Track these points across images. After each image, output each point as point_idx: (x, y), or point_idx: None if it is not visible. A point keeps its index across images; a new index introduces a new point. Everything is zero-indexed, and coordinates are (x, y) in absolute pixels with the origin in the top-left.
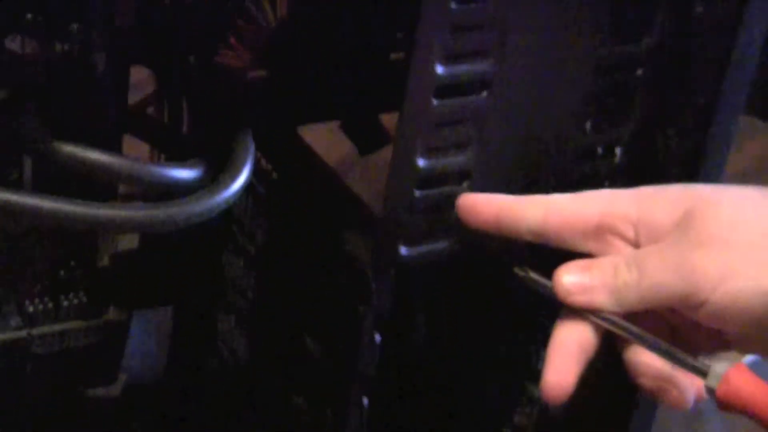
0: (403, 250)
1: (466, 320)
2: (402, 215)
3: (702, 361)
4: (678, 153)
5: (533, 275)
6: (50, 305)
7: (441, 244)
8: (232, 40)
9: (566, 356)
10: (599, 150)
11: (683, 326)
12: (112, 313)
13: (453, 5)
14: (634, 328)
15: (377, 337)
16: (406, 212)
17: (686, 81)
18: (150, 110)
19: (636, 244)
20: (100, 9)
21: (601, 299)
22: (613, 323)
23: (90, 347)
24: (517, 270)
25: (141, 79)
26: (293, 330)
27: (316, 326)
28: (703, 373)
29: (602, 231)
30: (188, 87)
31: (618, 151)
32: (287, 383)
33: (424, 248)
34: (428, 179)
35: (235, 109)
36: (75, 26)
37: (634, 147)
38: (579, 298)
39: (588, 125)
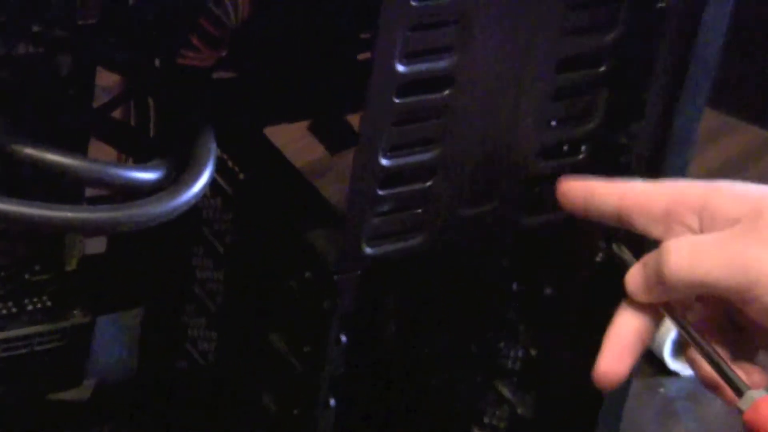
0: (368, 249)
1: (433, 319)
2: (366, 214)
3: (742, 381)
4: (642, 149)
5: (627, 253)
6: (15, 309)
7: (407, 243)
8: (195, 40)
9: (622, 346)
10: (564, 147)
11: (743, 320)
12: (77, 316)
13: (413, 2)
14: (691, 330)
15: (343, 337)
16: (369, 211)
17: (649, 77)
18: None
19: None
20: (62, 10)
21: (652, 289)
22: (676, 321)
23: (55, 350)
24: (614, 247)
25: (112, 82)
26: (262, 330)
27: (284, 326)
28: (739, 392)
29: (670, 218)
30: (154, 89)
31: (583, 148)
32: (256, 383)
33: (389, 247)
34: (392, 178)
35: (199, 110)
36: (38, 27)
37: (599, 143)
38: (641, 298)
39: (553, 122)
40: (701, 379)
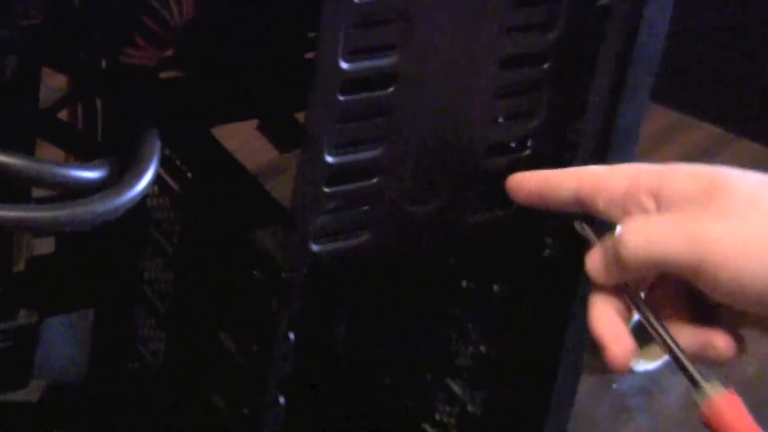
0: (315, 247)
1: (383, 317)
2: (312, 212)
3: (701, 373)
4: (586, 145)
5: (589, 232)
6: None
7: (354, 241)
8: (139, 39)
9: (616, 325)
10: (512, 143)
11: (704, 299)
12: (23, 317)
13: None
14: (650, 315)
15: (292, 336)
16: (315, 209)
17: (592, 74)
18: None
19: None
20: (6, 9)
21: (612, 271)
22: (637, 307)
23: (2, 351)
24: (576, 224)
25: (63, 82)
26: (211, 330)
27: (233, 325)
28: (697, 386)
29: (627, 200)
30: (100, 89)
31: (529, 143)
32: (206, 383)
33: (336, 245)
34: (338, 175)
35: (145, 109)
36: None
37: (544, 140)
38: (602, 279)
39: (500, 119)
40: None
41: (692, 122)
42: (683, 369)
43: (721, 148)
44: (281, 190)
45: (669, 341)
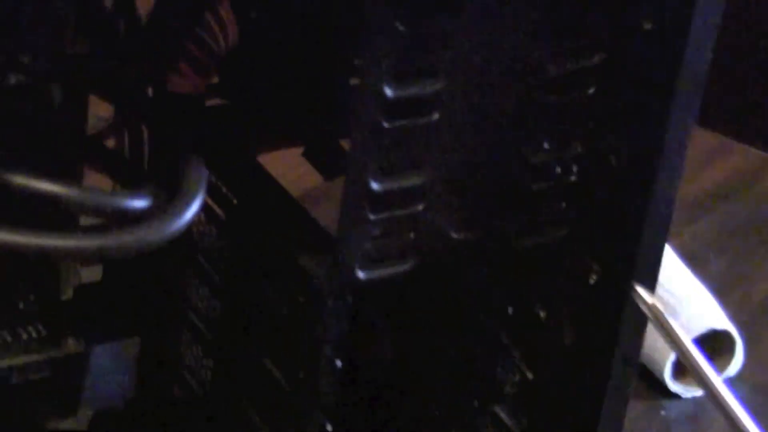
0: (361, 274)
1: (429, 344)
2: (356, 239)
3: None
4: (632, 169)
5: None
6: (9, 338)
7: (399, 267)
8: (183, 66)
9: None
10: (557, 168)
11: None
12: (71, 346)
13: (399, 26)
14: None
15: (338, 362)
16: (360, 236)
17: (637, 97)
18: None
19: None
20: (50, 39)
21: None
22: None
23: (50, 380)
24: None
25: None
26: (257, 357)
27: (279, 353)
28: None
29: None
30: (145, 116)
31: (574, 169)
32: (252, 411)
33: (382, 271)
34: (382, 201)
35: (191, 137)
36: (26, 57)
37: (589, 165)
38: None
39: (544, 144)
40: None
41: (734, 145)
42: None
43: (764, 171)
44: (326, 216)
45: None
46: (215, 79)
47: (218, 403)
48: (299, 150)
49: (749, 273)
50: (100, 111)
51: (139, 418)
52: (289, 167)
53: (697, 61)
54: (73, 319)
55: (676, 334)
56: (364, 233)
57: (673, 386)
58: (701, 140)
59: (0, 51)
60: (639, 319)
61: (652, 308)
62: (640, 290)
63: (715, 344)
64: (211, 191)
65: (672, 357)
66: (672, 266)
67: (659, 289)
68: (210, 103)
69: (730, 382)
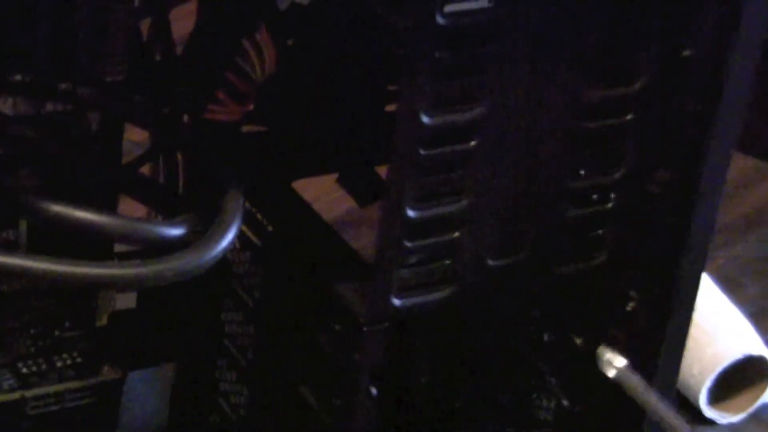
0: (397, 301)
1: (465, 370)
2: (394, 265)
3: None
4: (670, 196)
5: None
6: (45, 366)
7: (436, 294)
8: (222, 95)
9: None
10: (594, 195)
11: None
12: (107, 372)
13: (437, 54)
14: None
15: (374, 390)
16: (397, 263)
17: (676, 124)
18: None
19: None
20: (89, 68)
21: None
22: None
23: (86, 406)
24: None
25: (145, 137)
26: (292, 384)
27: (314, 379)
28: None
29: None
30: (181, 144)
31: (612, 196)
32: None
33: (418, 299)
34: (418, 229)
35: (227, 164)
36: (64, 85)
37: (627, 191)
38: None
39: (581, 170)
40: None
41: None
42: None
43: None
44: (359, 241)
45: None
46: (251, 107)
47: (253, 430)
48: (332, 175)
49: None
50: (135, 138)
51: None
52: (322, 192)
53: (737, 88)
54: (108, 346)
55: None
56: (401, 260)
57: (709, 412)
58: (738, 164)
59: (39, 79)
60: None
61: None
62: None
63: (751, 369)
64: (246, 218)
65: (708, 383)
66: (707, 291)
67: (695, 315)
68: (246, 129)
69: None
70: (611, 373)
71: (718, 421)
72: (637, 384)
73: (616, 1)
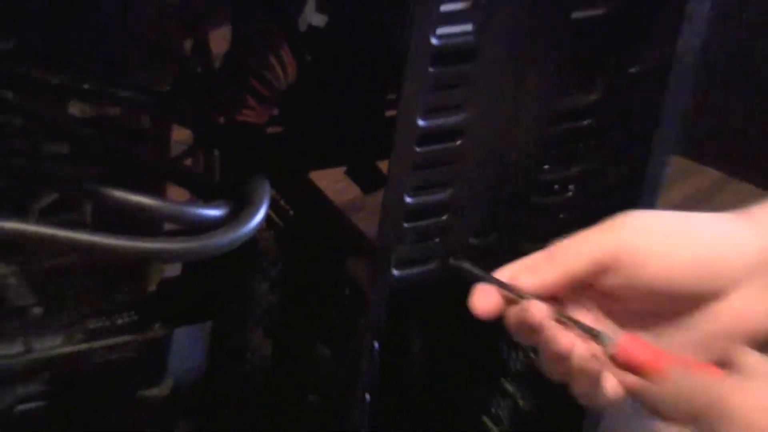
0: (395, 273)
1: (450, 329)
2: (393, 244)
3: (594, 328)
4: (619, 189)
5: (466, 265)
6: (107, 323)
7: (428, 267)
8: (251, 100)
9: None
10: (556, 186)
11: (612, 308)
12: (157, 329)
13: (430, 69)
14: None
15: (376, 345)
16: (396, 241)
17: (626, 128)
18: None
19: None
20: (142, 78)
21: (525, 278)
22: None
23: (140, 357)
24: (452, 261)
25: (187, 136)
26: (309, 339)
27: (327, 336)
28: (599, 338)
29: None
30: (218, 141)
31: (571, 187)
32: (305, 384)
33: (413, 271)
34: (414, 213)
35: (255, 158)
36: (123, 93)
37: (584, 183)
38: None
39: (546, 166)
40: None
41: (696, 167)
42: (585, 329)
43: (721, 188)
44: (363, 223)
45: (571, 318)
46: (275, 111)
47: (276, 377)
48: (341, 168)
49: None
50: (179, 137)
51: (211, 388)
52: (333, 181)
53: (675, 100)
54: (158, 307)
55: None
56: (399, 239)
57: None
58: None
59: (103, 88)
60: None
61: None
62: None
63: None
64: (271, 203)
65: None
66: None
67: None
68: (271, 130)
69: None
70: None
71: None
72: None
73: (576, 28)
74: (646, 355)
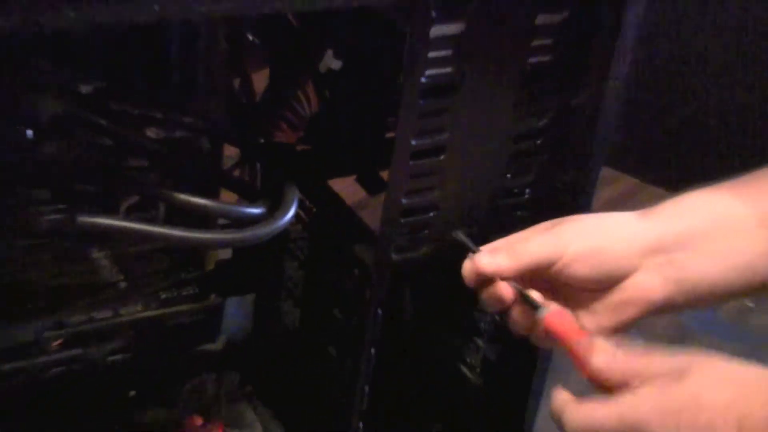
0: (394, 257)
1: (436, 300)
2: (392, 235)
3: (537, 301)
4: (564, 193)
5: (462, 237)
6: (175, 294)
7: (419, 253)
8: (284, 126)
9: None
10: (516, 190)
11: (555, 288)
12: (214, 299)
13: (420, 101)
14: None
15: (379, 312)
16: (394, 233)
17: (568, 147)
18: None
19: None
20: (202, 108)
21: (501, 257)
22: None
23: (201, 320)
24: (453, 234)
25: (234, 152)
26: (327, 307)
27: (342, 305)
28: (536, 308)
29: None
30: (259, 156)
31: (527, 191)
32: (325, 339)
33: (407, 255)
34: (408, 211)
35: (287, 169)
36: (187, 120)
37: (537, 189)
38: (486, 261)
39: (508, 175)
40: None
41: (616, 174)
42: (526, 299)
43: (639, 193)
44: (369, 219)
45: (517, 286)
46: (302, 133)
47: (304, 335)
48: (352, 176)
49: None
50: (229, 153)
51: (254, 344)
52: (345, 186)
53: (605, 126)
54: (214, 282)
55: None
56: (397, 231)
57: None
58: None
59: (173, 116)
60: None
61: None
62: None
63: None
64: (299, 203)
65: None
66: None
67: None
68: (299, 148)
69: None
70: None
71: None
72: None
73: (530, 71)
74: (562, 327)
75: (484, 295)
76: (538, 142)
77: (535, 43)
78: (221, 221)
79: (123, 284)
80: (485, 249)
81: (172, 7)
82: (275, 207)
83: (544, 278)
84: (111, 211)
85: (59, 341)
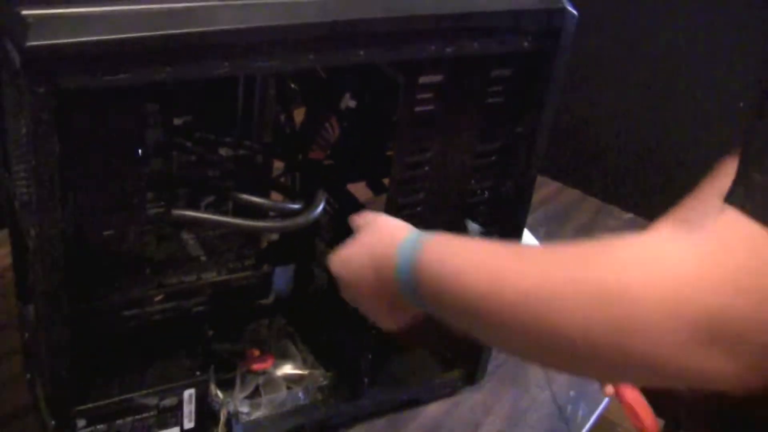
0: None
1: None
2: None
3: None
4: (512, 195)
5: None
6: (240, 264)
7: None
8: (315, 146)
9: None
10: (478, 191)
11: None
12: (266, 268)
13: (411, 130)
14: None
15: None
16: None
17: (515, 161)
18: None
19: None
20: (258, 135)
21: None
22: None
23: (257, 283)
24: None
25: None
26: None
27: None
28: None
29: None
30: (298, 168)
31: (486, 193)
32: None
33: None
34: (403, 207)
35: (318, 177)
36: (248, 143)
37: (493, 190)
38: None
39: (473, 181)
40: None
41: (563, 188)
42: None
43: (581, 204)
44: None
45: None
46: (329, 152)
47: (329, 294)
48: (363, 182)
49: None
50: (278, 166)
51: (295, 300)
52: (358, 188)
53: (541, 147)
54: (266, 256)
55: None
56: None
57: None
58: (540, 185)
59: (235, 138)
60: None
61: None
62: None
63: None
64: (325, 202)
65: None
66: (527, 237)
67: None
68: (327, 162)
69: None
70: None
71: None
72: None
73: (488, 109)
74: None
75: None
76: (493, 158)
77: (491, 89)
78: (271, 214)
79: (203, 257)
80: None
81: (237, 65)
82: (309, 204)
83: None
84: (194, 206)
85: (160, 297)
